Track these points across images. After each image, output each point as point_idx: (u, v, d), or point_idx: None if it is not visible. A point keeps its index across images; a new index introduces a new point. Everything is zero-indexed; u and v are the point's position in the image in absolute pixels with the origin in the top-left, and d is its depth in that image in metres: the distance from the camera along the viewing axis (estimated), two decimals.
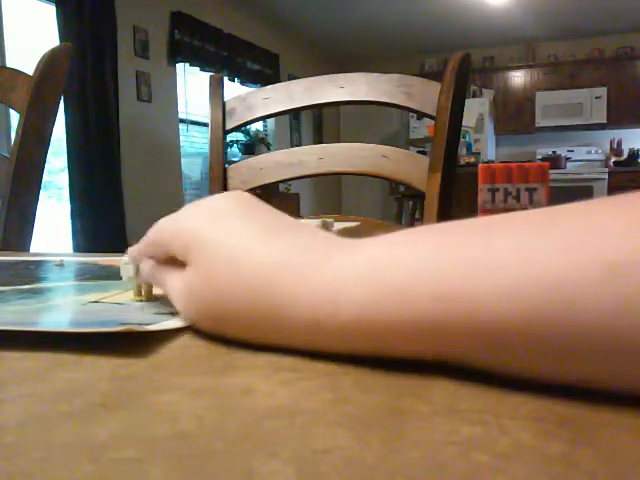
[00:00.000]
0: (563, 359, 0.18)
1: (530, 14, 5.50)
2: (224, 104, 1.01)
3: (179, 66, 4.50)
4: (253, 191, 0.96)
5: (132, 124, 3.92)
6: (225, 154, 1.03)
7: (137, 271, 0.32)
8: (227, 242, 0.24)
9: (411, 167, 0.89)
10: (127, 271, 0.33)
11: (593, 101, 6.22)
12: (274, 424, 0.17)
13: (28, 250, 0.90)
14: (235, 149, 4.98)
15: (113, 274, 0.45)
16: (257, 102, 0.99)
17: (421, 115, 0.88)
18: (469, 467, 0.14)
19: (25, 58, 3.05)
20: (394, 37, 6.25)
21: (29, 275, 0.47)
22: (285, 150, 1.02)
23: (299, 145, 5.03)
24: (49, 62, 0.88)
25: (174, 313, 0.29)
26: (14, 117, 2.99)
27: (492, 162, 6.02)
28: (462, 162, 5.70)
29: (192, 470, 0.14)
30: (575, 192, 5.57)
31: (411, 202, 5.09)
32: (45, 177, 0.94)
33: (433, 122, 0.86)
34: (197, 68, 4.61)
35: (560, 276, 0.17)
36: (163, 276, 0.29)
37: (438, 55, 6.68)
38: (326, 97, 0.95)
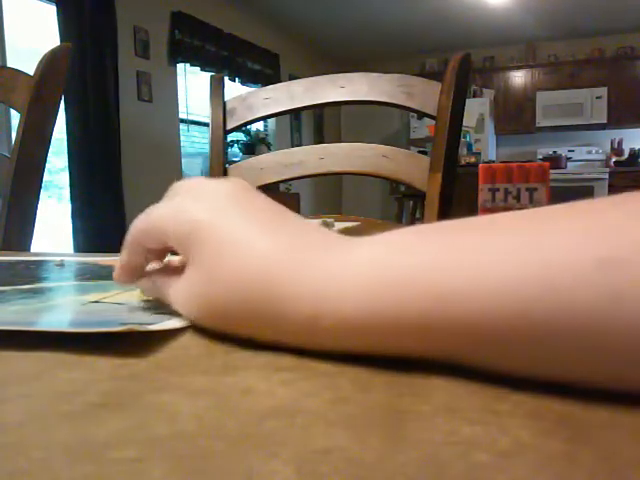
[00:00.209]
0: (557, 357, 0.18)
1: (530, 14, 5.50)
2: (224, 104, 1.01)
3: (179, 66, 4.50)
4: None
5: (133, 124, 3.93)
6: (225, 154, 1.03)
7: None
8: (228, 239, 0.24)
9: (412, 167, 0.89)
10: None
11: (593, 101, 6.21)
12: (274, 424, 0.17)
13: (29, 250, 0.90)
14: (236, 149, 4.98)
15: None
16: (257, 102, 0.99)
17: (422, 115, 0.88)
18: (469, 467, 0.14)
19: (25, 58, 3.05)
20: (395, 37, 6.25)
21: (29, 275, 0.47)
22: (285, 150, 1.02)
23: (299, 145, 5.03)
24: (49, 62, 0.88)
25: (174, 313, 0.29)
26: (15, 117, 3.00)
27: (493, 162, 6.02)
28: (463, 162, 5.70)
29: (192, 470, 0.14)
30: (576, 192, 5.57)
31: (411, 202, 5.09)
32: (46, 177, 0.94)
33: (434, 122, 0.86)
34: (197, 68, 4.62)
35: (553, 274, 0.17)
36: (164, 287, 0.29)
37: (438, 55, 6.68)
38: (327, 97, 0.95)
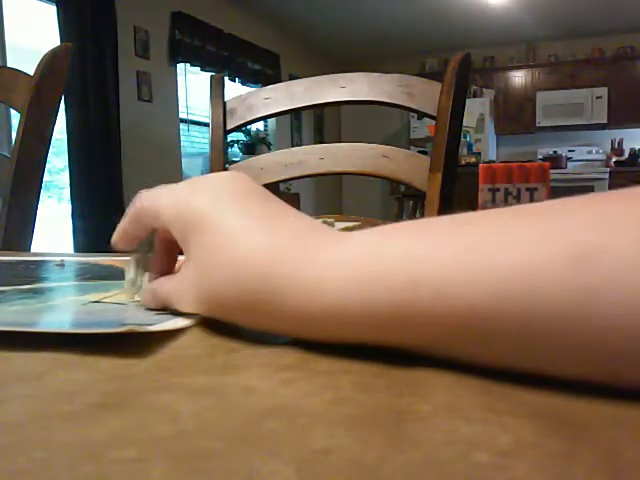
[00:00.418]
0: (527, 347, 0.18)
1: (530, 14, 5.50)
2: (225, 104, 1.01)
3: (180, 66, 4.50)
4: None
5: (133, 124, 3.93)
6: (226, 154, 1.03)
7: (138, 270, 0.32)
8: (226, 232, 0.25)
9: (412, 167, 0.89)
10: (128, 272, 0.33)
11: (594, 101, 6.21)
12: (274, 424, 0.17)
13: (29, 250, 0.90)
14: (236, 149, 4.98)
15: (114, 274, 0.45)
16: (258, 102, 0.99)
17: (422, 115, 0.88)
18: (470, 466, 0.14)
19: (25, 58, 3.05)
20: (395, 37, 6.25)
21: (30, 275, 0.47)
22: (286, 150, 1.02)
23: (300, 145, 5.02)
24: (50, 62, 0.88)
25: (175, 313, 0.29)
26: (15, 117, 3.00)
27: (493, 162, 6.01)
28: (463, 162, 5.70)
29: (192, 470, 0.14)
30: (576, 192, 5.47)
31: (411, 202, 5.09)
32: (46, 177, 0.94)
33: (434, 122, 0.86)
34: (198, 68, 4.62)
35: (525, 264, 0.18)
36: (164, 291, 0.29)
37: (439, 55, 6.68)
38: (327, 97, 0.95)
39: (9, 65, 2.93)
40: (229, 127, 1.01)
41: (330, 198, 7.08)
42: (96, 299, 0.35)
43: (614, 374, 0.17)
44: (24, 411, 0.18)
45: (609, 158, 6.15)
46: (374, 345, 0.22)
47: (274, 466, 0.14)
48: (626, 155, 6.04)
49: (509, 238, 0.19)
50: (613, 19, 5.72)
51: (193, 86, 4.69)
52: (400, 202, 5.30)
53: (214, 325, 0.27)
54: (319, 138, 6.64)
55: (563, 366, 0.18)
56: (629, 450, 0.15)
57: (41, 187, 0.91)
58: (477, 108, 6.20)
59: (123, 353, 0.24)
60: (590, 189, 5.64)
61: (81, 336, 0.26)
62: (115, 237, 0.32)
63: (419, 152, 0.95)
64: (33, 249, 0.92)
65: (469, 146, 6.17)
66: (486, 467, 0.14)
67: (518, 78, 6.56)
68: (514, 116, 6.56)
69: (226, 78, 4.15)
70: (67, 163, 3.53)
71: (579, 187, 5.65)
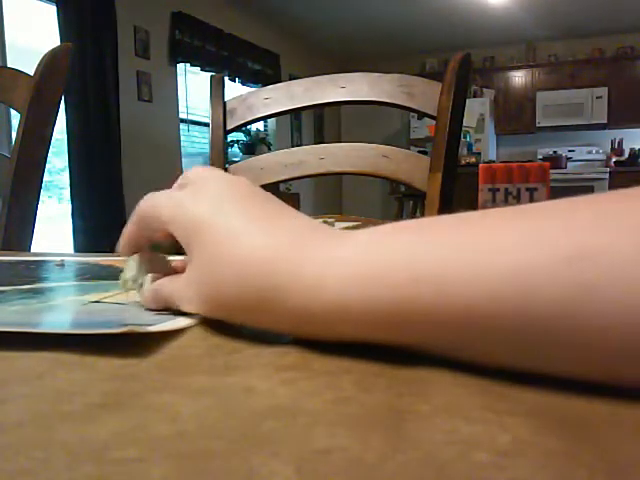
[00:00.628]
0: (526, 346, 0.18)
1: (530, 14, 5.49)
2: (225, 104, 1.01)
3: (180, 66, 4.50)
4: None
5: (133, 124, 3.92)
6: (226, 154, 1.03)
7: (140, 268, 0.32)
8: (227, 235, 0.25)
9: (412, 167, 0.89)
10: (129, 269, 0.32)
11: (594, 101, 6.21)
12: (275, 424, 0.17)
13: (29, 250, 0.90)
14: (236, 149, 4.98)
15: (114, 274, 0.45)
16: (258, 102, 0.99)
17: (422, 115, 0.88)
18: (470, 466, 0.14)
19: (25, 58, 3.05)
20: (395, 37, 6.25)
21: (30, 275, 0.47)
22: (286, 150, 1.02)
23: (300, 145, 5.03)
24: (50, 62, 0.88)
25: (175, 314, 0.29)
26: (15, 117, 3.00)
27: (493, 162, 6.01)
28: (463, 162, 5.70)
29: (192, 470, 0.14)
30: (576, 192, 5.46)
31: (411, 202, 5.09)
32: (46, 177, 0.94)
33: (434, 122, 0.86)
34: (198, 68, 4.62)
35: (523, 264, 0.18)
36: (167, 291, 0.29)
37: (439, 55, 6.67)
38: (327, 97, 0.95)
39: (9, 65, 2.93)
40: (229, 127, 1.01)
41: (330, 198, 7.08)
42: (96, 299, 0.35)
43: (612, 373, 0.18)
44: (24, 411, 0.18)
45: (609, 158, 6.15)
46: (374, 343, 0.22)
47: (274, 466, 0.14)
48: (626, 155, 6.04)
49: (508, 238, 0.19)
50: (613, 19, 5.72)
51: (193, 86, 4.69)
52: (400, 202, 5.30)
53: (214, 325, 0.27)
54: (319, 138, 6.64)
55: (562, 365, 0.18)
56: (629, 449, 0.15)
57: (41, 187, 0.91)
58: (477, 108, 6.20)
59: (123, 353, 0.24)
60: (590, 189, 5.64)
61: (81, 336, 0.26)
62: (121, 242, 0.32)
63: (419, 152, 0.95)
64: (33, 249, 0.92)
65: (469, 146, 6.17)
66: (486, 467, 0.14)
67: (518, 78, 6.56)
68: (514, 116, 6.56)
69: (226, 78, 4.15)
70: (67, 163, 3.53)
71: (579, 187, 5.65)
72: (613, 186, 5.55)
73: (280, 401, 0.18)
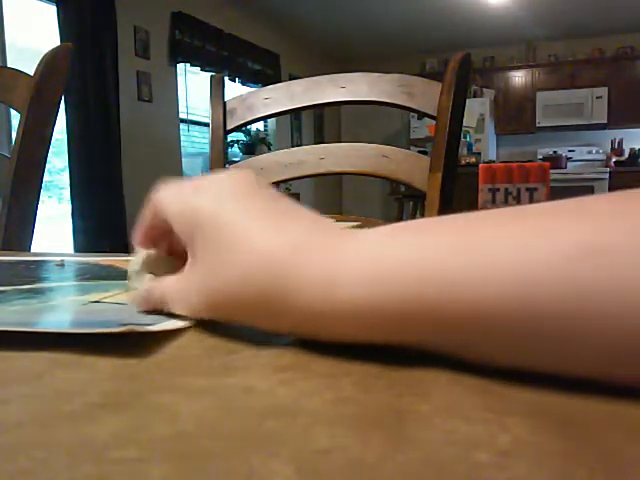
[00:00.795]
0: (529, 346, 0.18)
1: (530, 14, 5.49)
2: (225, 104, 1.01)
3: (180, 66, 4.50)
4: None
5: (133, 124, 3.92)
6: (226, 154, 1.03)
7: (141, 266, 0.32)
8: (230, 230, 0.25)
9: (412, 167, 0.89)
10: (133, 264, 0.32)
11: (594, 101, 6.21)
12: (274, 424, 0.17)
13: (29, 250, 0.90)
14: (236, 149, 4.98)
15: (114, 274, 0.45)
16: (258, 102, 0.99)
17: (422, 115, 0.88)
18: (470, 466, 0.14)
19: (25, 58, 3.05)
20: (395, 37, 6.25)
21: (30, 275, 0.47)
22: (286, 150, 1.02)
23: (300, 145, 5.02)
24: (50, 62, 0.88)
25: (169, 315, 0.29)
26: (15, 117, 2.99)
27: (493, 162, 6.01)
28: (463, 162, 5.70)
29: (192, 470, 0.14)
30: (576, 192, 5.46)
31: (411, 202, 5.09)
32: (46, 177, 0.94)
33: (434, 122, 0.86)
34: (198, 68, 4.61)
35: (526, 265, 0.18)
36: (160, 292, 0.29)
37: (439, 55, 6.67)
38: (327, 97, 0.95)
39: (9, 65, 2.93)
40: (229, 127, 1.01)
41: (330, 198, 7.08)
42: (96, 299, 0.35)
43: (614, 372, 0.18)
44: (24, 411, 0.18)
45: (609, 158, 6.15)
46: (379, 344, 0.22)
47: (274, 466, 0.14)
48: (626, 155, 6.04)
49: (511, 239, 0.19)
50: (613, 19, 5.72)
51: (193, 86, 4.69)
52: (400, 202, 5.30)
53: (214, 325, 0.27)
54: (319, 138, 6.64)
55: (563, 364, 0.18)
56: (629, 449, 0.15)
57: (41, 187, 0.91)
58: (477, 108, 6.20)
59: (123, 353, 0.24)
60: (590, 189, 5.64)
61: (81, 336, 0.26)
62: (135, 234, 0.32)
63: (419, 152, 0.95)
64: (33, 249, 0.92)
65: (469, 146, 6.17)
66: (486, 467, 0.14)
67: (518, 78, 6.56)
68: (514, 116, 6.56)
69: (226, 78, 4.15)
70: (67, 163, 3.53)
71: (579, 187, 5.65)
72: (613, 186, 5.55)
73: (280, 401, 0.18)
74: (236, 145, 4.96)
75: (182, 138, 4.56)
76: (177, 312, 0.28)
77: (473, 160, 5.87)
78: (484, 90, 6.44)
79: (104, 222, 3.54)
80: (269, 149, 4.93)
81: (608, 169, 5.86)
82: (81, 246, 3.48)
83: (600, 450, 0.15)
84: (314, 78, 0.96)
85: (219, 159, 1.01)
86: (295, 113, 5.27)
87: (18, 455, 0.15)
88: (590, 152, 6.42)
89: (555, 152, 6.37)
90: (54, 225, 3.63)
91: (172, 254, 0.32)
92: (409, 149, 1.02)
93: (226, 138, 1.02)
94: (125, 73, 3.84)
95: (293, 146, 4.97)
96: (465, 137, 6.14)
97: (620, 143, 6.18)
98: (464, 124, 0.90)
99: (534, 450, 0.15)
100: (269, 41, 5.58)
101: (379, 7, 5.30)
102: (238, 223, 0.25)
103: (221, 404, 0.18)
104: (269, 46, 5.56)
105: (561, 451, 0.15)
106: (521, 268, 0.18)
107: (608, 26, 5.94)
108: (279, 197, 0.27)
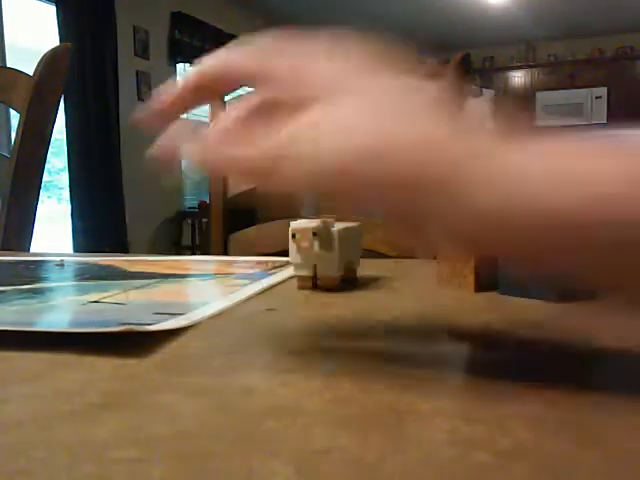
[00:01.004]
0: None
1: (530, 14, 5.50)
2: (225, 104, 1.01)
3: (179, 66, 4.50)
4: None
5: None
6: None
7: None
8: (395, 95, 0.21)
9: None
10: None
11: (593, 101, 6.21)
12: (274, 424, 0.17)
13: (28, 250, 0.90)
14: None
15: (113, 274, 0.45)
16: None
17: None
18: (470, 466, 0.14)
19: (25, 58, 3.04)
20: (394, 37, 6.25)
21: (29, 275, 0.47)
22: None
23: None
24: (49, 62, 0.88)
25: (174, 313, 0.29)
26: (15, 117, 2.99)
27: None
28: None
29: (192, 470, 0.14)
30: None
31: None
32: (46, 177, 0.94)
33: None
34: None
35: None
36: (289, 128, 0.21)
37: (439, 55, 6.68)
38: None
39: (9, 65, 2.93)
40: None
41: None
42: (95, 299, 0.35)
43: None
44: (24, 411, 0.18)
45: None
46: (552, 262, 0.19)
47: (274, 466, 0.14)
48: None
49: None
50: (613, 19, 5.72)
51: None
52: None
53: (214, 326, 0.27)
54: None
55: None
56: (629, 451, 0.15)
57: (41, 187, 0.91)
58: None
59: (123, 353, 0.24)
60: None
61: (80, 336, 0.26)
62: (165, 96, 0.26)
63: None
64: (33, 249, 0.92)
65: None
66: (486, 467, 0.14)
67: (518, 78, 6.56)
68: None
69: None
70: (66, 163, 3.53)
71: None
72: None
73: (280, 401, 0.18)
74: None
75: None
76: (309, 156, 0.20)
77: None
78: (484, 90, 6.45)
79: (103, 222, 3.54)
80: None
81: None
82: (80, 246, 3.48)
83: (601, 453, 0.15)
84: None
85: None
86: None
87: (18, 455, 0.15)
88: None
89: None
90: (54, 225, 3.63)
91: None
92: None
93: None
94: (125, 73, 3.84)
95: None
96: None
97: None
98: None
99: (534, 451, 0.15)
100: None
101: (379, 7, 5.30)
102: (399, 86, 0.21)
103: (221, 404, 0.18)
104: None
105: (561, 452, 0.15)
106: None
107: (608, 26, 5.94)
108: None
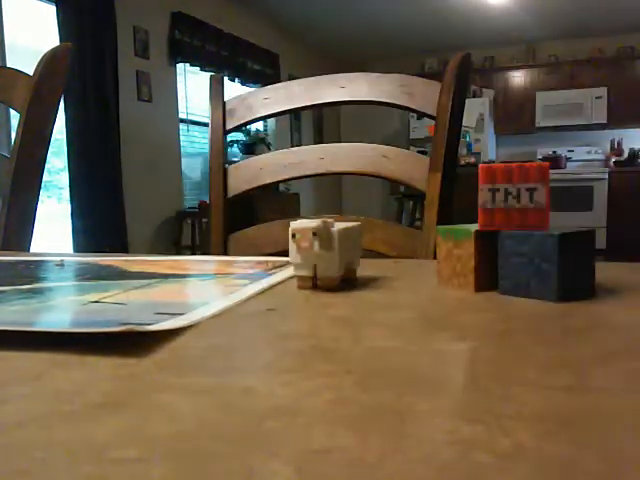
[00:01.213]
0: None
1: (530, 14, 5.50)
2: (224, 104, 1.01)
3: (179, 66, 4.50)
4: (253, 190, 0.96)
5: (132, 124, 3.92)
6: (225, 154, 1.03)
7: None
8: None
9: (411, 167, 0.89)
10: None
11: (593, 101, 6.22)
12: (274, 424, 0.17)
13: (28, 250, 0.90)
14: (235, 149, 4.98)
15: (113, 274, 0.45)
16: (257, 102, 0.99)
17: (421, 115, 0.88)
18: (470, 466, 0.14)
19: (25, 58, 3.04)
20: (395, 37, 6.25)
21: (29, 275, 0.47)
22: (285, 150, 1.02)
23: (299, 145, 5.03)
24: (49, 62, 0.88)
25: (174, 313, 0.29)
26: (15, 117, 2.99)
27: (492, 162, 6.02)
28: (462, 162, 5.70)
29: (192, 470, 0.14)
30: (575, 192, 5.58)
31: (411, 202, 5.10)
32: (46, 177, 0.94)
33: (433, 122, 0.86)
34: (197, 68, 4.62)
35: None
36: None
37: (438, 55, 6.68)
38: (327, 97, 0.95)
39: (9, 65, 2.93)
40: (229, 127, 1.01)
41: (330, 198, 7.08)
42: (95, 299, 0.35)
43: None
44: (24, 411, 0.18)
45: (608, 158, 6.15)
46: None
47: (274, 466, 0.14)
48: (625, 155, 6.04)
49: None
50: (613, 19, 5.72)
51: (193, 86, 4.69)
52: (400, 202, 5.30)
53: (214, 326, 0.27)
54: (319, 138, 6.64)
55: None
56: (629, 453, 0.15)
57: (40, 187, 0.91)
58: (477, 108, 6.20)
59: (123, 353, 0.24)
60: (589, 189, 5.65)
61: (80, 335, 0.26)
62: None
63: (419, 152, 0.95)
64: (33, 249, 0.92)
65: (469, 146, 6.18)
66: (486, 467, 0.14)
67: (518, 78, 6.56)
68: (514, 116, 6.56)
69: (226, 78, 4.16)
70: (66, 163, 3.53)
71: (578, 187, 5.66)
72: (613, 186, 5.55)
73: (280, 401, 0.18)
74: (236, 145, 4.95)
75: (181, 138, 4.56)
76: None
77: (472, 160, 5.88)
78: (484, 90, 6.44)
79: (103, 222, 3.54)
80: (269, 149, 4.93)
81: (607, 169, 5.86)
82: (80, 246, 3.48)
83: (601, 453, 0.15)
84: (314, 78, 0.96)
85: (218, 159, 1.01)
86: (295, 113, 5.27)
87: (18, 455, 0.15)
88: (589, 152, 6.43)
89: (555, 152, 6.37)
90: (54, 225, 3.62)
91: None
92: (409, 149, 1.02)
93: (226, 138, 1.02)
94: (125, 73, 3.84)
95: (293, 146, 4.97)
96: (465, 137, 6.14)
97: (619, 143, 6.18)
98: (464, 124, 0.90)
99: (534, 452, 0.15)
100: (269, 41, 5.58)
101: (379, 7, 5.30)
102: None
103: (221, 404, 0.18)
104: (269, 46, 5.56)
105: (561, 453, 0.15)
106: None
107: (608, 26, 5.95)
108: None
